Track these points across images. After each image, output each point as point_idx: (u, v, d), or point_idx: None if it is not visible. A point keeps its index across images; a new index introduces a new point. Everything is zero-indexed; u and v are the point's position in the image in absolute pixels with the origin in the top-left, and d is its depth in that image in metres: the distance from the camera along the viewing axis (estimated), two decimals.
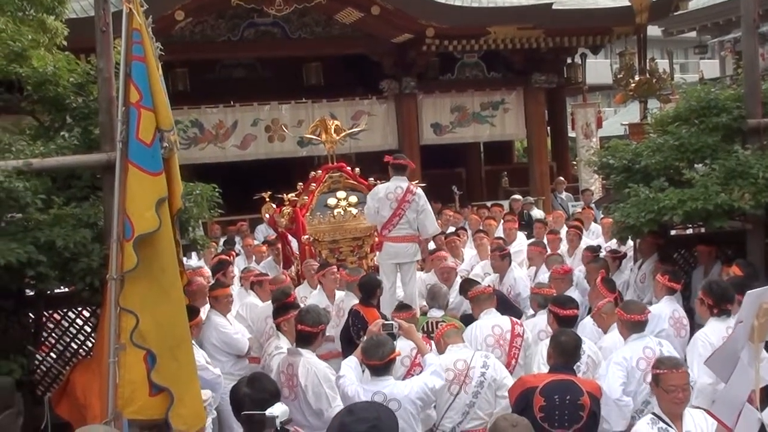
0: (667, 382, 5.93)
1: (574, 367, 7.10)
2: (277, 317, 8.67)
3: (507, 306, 9.76)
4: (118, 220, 5.99)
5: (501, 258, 11.64)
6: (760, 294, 5.56)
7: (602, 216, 14.74)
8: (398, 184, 11.01)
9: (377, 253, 11.59)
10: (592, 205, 18.56)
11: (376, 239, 11.69)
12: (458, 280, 11.53)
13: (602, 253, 12.31)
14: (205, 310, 9.51)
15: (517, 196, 20.14)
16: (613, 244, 12.74)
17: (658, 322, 8.70)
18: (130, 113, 6.01)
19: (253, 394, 5.14)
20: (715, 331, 7.74)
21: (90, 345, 8.12)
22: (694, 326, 8.86)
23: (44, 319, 8.11)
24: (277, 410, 5.02)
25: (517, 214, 18.17)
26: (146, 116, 5.97)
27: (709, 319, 7.94)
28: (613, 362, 7.31)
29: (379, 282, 9.89)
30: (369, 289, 9.62)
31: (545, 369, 7.60)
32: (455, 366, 7.50)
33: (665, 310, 8.94)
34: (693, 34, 31.53)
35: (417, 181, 13.37)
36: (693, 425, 5.91)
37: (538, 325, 9.08)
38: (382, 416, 4.26)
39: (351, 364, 7.04)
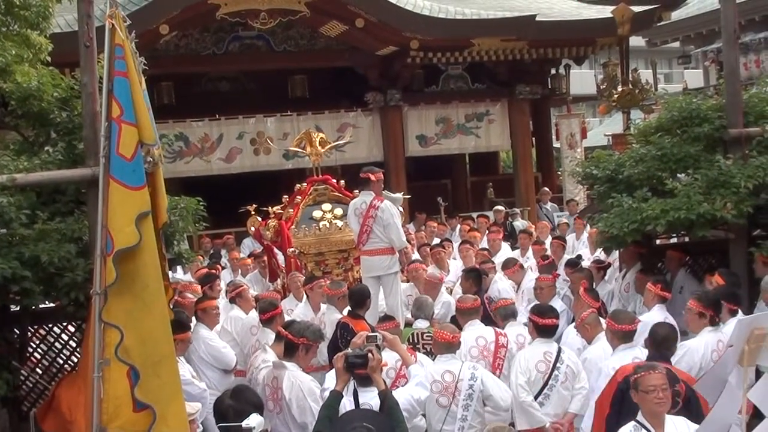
0: (646, 384, 5.93)
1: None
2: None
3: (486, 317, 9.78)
4: (101, 235, 6.00)
5: (466, 279, 11.24)
6: (751, 321, 5.63)
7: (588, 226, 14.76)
8: (364, 198, 11.06)
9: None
10: (571, 218, 18.58)
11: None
12: (443, 290, 11.53)
13: (585, 263, 12.36)
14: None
15: (500, 207, 20.18)
16: (598, 254, 12.81)
17: None
18: (112, 128, 6.03)
19: (237, 405, 5.17)
20: (708, 342, 7.83)
21: (75, 360, 8.11)
22: None
23: (29, 334, 8.11)
24: (254, 422, 5.07)
25: (501, 225, 18.20)
26: (127, 131, 5.99)
27: (702, 330, 8.00)
28: (603, 375, 7.34)
29: (369, 293, 9.84)
30: (358, 300, 9.59)
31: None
32: (443, 378, 7.56)
33: (657, 319, 8.97)
34: (677, 44, 31.67)
35: (403, 192, 13.49)
36: (675, 431, 5.94)
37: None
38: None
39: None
